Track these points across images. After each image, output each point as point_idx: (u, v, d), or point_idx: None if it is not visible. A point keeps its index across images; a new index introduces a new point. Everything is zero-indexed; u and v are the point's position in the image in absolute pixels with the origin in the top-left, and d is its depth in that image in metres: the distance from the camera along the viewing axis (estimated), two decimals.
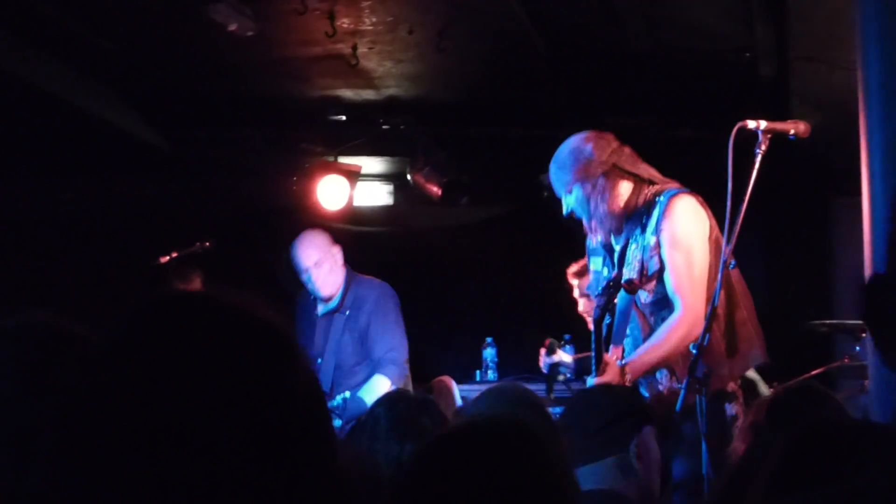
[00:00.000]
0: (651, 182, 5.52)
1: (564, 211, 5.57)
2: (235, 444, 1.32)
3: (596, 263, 5.74)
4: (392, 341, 7.19)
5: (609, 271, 5.59)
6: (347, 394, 6.96)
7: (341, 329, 7.26)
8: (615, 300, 5.33)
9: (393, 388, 7.02)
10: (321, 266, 7.22)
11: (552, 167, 5.62)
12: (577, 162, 5.53)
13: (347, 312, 7.26)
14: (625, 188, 5.51)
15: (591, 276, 5.83)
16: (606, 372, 5.13)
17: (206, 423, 1.32)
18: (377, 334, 7.18)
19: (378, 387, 7.02)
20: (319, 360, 7.25)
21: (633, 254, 5.45)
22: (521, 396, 3.84)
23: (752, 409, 3.73)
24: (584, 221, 5.55)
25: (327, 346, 7.26)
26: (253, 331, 1.42)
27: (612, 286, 5.24)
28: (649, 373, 5.37)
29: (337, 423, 6.88)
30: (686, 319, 5.24)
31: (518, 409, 3.60)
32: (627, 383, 5.19)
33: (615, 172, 5.53)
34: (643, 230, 5.44)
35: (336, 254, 7.31)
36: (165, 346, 1.37)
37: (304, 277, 7.26)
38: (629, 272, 5.41)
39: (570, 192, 5.51)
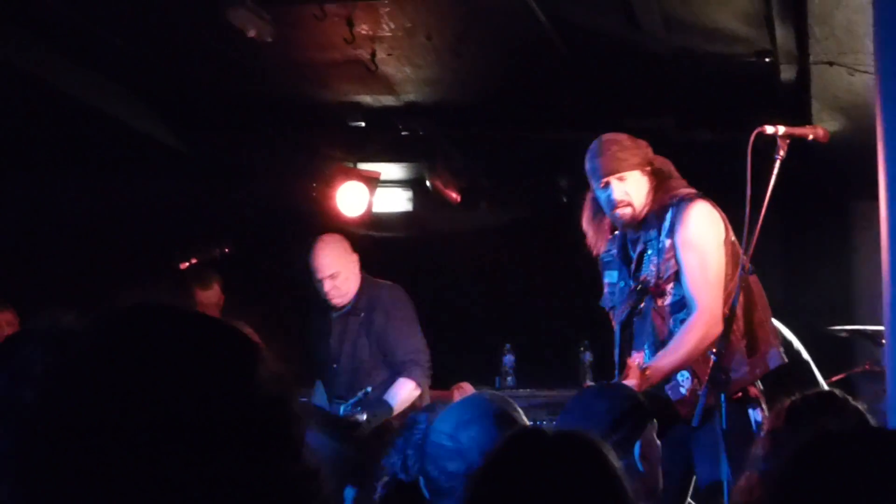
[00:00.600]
0: (669, 187, 5.51)
1: (610, 195, 5.44)
2: (193, 447, 1.34)
3: (611, 276, 5.70)
4: (414, 343, 7.15)
5: (625, 283, 5.57)
6: (368, 388, 6.93)
7: (356, 331, 7.22)
8: (642, 304, 5.30)
9: (418, 389, 7.01)
10: (337, 277, 7.16)
11: (608, 146, 5.49)
12: (639, 148, 5.52)
13: (362, 314, 7.22)
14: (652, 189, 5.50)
15: (605, 290, 5.77)
16: (629, 376, 5.12)
17: (164, 427, 1.34)
18: (396, 337, 7.14)
19: (403, 389, 7.00)
20: (335, 365, 7.23)
21: (650, 258, 5.43)
22: (492, 407, 3.80)
23: (772, 416, 3.71)
24: (617, 212, 5.46)
25: (343, 350, 7.23)
26: (213, 336, 1.45)
27: (640, 289, 5.21)
28: (670, 376, 5.34)
29: (362, 416, 6.86)
30: (702, 321, 5.22)
31: (490, 419, 3.59)
32: (648, 387, 5.18)
33: (655, 171, 5.53)
34: (659, 234, 5.43)
35: (354, 262, 7.26)
36: (127, 353, 1.39)
37: (317, 285, 7.21)
38: (648, 276, 5.39)
39: (624, 178, 5.44)
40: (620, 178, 5.42)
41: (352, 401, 6.94)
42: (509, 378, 9.03)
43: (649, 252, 5.46)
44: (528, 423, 3.82)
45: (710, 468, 5.18)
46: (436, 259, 9.82)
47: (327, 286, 7.15)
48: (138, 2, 6.68)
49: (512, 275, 9.94)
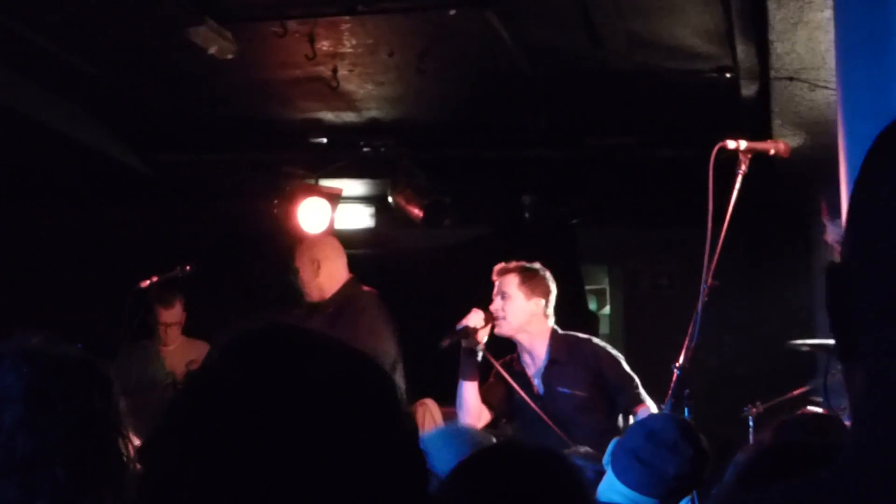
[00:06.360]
0: None
1: None
2: (342, 479, 1.32)
3: None
4: (372, 345, 7.15)
5: None
6: None
7: (325, 327, 7.27)
8: None
9: None
10: (296, 276, 7.42)
11: None
12: None
13: (329, 311, 7.26)
14: None
15: None
16: None
17: (315, 462, 1.31)
18: (356, 339, 7.14)
19: None
20: None
21: None
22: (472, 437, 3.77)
23: (764, 427, 3.72)
24: None
25: None
26: (362, 368, 1.44)
27: None
28: None
29: None
30: None
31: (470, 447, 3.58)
32: None
33: None
34: None
35: (317, 267, 7.40)
36: (272, 382, 1.36)
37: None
38: None
39: None
40: None
41: None
42: None
43: None
44: None
45: None
46: (398, 276, 9.80)
47: (290, 277, 7.45)
48: (97, 23, 6.64)
49: (475, 291, 9.91)
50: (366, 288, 7.50)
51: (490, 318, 6.17)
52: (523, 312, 6.11)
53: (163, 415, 1.40)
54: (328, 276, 7.37)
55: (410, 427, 1.41)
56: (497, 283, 6.24)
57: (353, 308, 7.28)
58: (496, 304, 6.18)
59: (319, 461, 1.30)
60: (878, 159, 1.21)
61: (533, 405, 6.00)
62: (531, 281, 6.14)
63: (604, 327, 12.18)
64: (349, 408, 1.36)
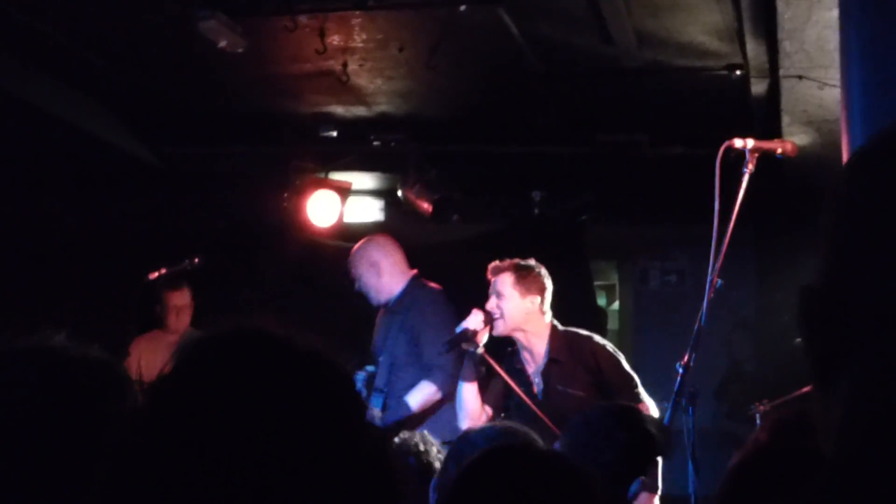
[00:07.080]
0: None
1: None
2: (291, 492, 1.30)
3: None
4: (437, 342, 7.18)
5: None
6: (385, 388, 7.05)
7: (395, 328, 7.29)
8: None
9: (438, 393, 7.00)
10: (357, 281, 7.39)
11: None
12: None
13: (401, 312, 7.28)
14: None
15: None
16: None
17: (269, 473, 1.30)
18: (427, 338, 7.15)
19: (422, 393, 7.00)
20: (381, 359, 7.27)
21: None
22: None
23: (760, 426, 3.72)
24: None
25: (385, 345, 7.28)
26: (324, 380, 1.41)
27: None
28: None
29: (373, 413, 6.94)
30: None
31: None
32: None
33: None
34: None
35: (379, 269, 7.37)
36: (229, 389, 1.34)
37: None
38: None
39: None
40: None
41: (372, 398, 7.04)
42: None
43: None
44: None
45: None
46: None
47: (356, 286, 7.36)
48: (108, 15, 6.65)
49: (483, 286, 9.91)
50: (432, 285, 7.50)
51: (489, 319, 6.18)
52: (519, 311, 6.12)
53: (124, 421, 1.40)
54: (391, 274, 7.37)
55: (370, 437, 1.40)
56: (492, 282, 6.26)
57: (420, 308, 7.27)
58: (491, 303, 6.20)
59: (274, 470, 1.30)
60: (860, 180, 1.17)
61: (530, 403, 6.00)
62: (525, 279, 6.16)
63: (612, 323, 12.20)
64: (307, 416, 1.35)
